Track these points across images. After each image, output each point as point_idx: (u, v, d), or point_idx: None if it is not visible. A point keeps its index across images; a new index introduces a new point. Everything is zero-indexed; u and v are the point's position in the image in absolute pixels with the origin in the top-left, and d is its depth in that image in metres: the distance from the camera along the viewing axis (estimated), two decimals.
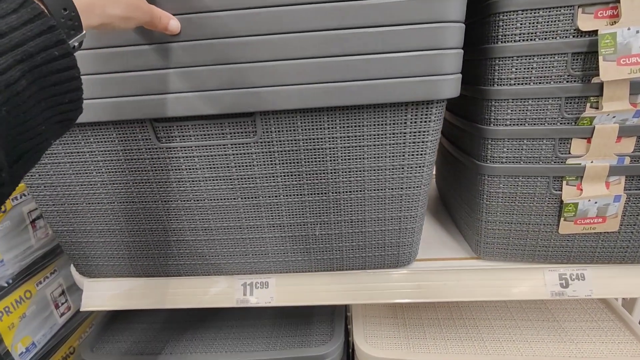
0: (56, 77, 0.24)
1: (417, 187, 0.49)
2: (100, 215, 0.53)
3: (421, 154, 0.47)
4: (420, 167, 0.48)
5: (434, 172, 0.87)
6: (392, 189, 0.49)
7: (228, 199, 0.50)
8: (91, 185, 0.51)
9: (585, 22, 0.42)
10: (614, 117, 0.45)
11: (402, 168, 0.48)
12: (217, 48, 0.41)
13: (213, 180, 0.49)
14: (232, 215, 0.51)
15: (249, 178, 0.49)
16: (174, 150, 0.47)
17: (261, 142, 0.46)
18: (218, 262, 0.56)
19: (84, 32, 0.28)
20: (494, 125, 0.48)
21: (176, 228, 0.53)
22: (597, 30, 0.41)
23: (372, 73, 0.42)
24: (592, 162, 0.47)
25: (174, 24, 0.40)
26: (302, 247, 0.54)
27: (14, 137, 0.22)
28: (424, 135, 0.46)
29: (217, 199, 0.50)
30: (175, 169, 0.49)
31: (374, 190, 0.49)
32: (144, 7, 0.35)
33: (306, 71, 0.42)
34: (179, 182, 0.50)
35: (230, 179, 0.49)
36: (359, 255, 0.54)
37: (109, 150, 0.48)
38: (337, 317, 0.68)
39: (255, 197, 0.50)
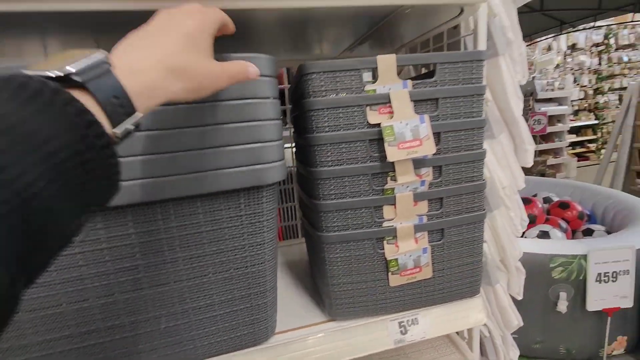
0: (86, 170, 0.23)
1: (261, 263, 0.52)
2: None
3: (259, 233, 0.51)
4: (260, 245, 0.52)
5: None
6: (236, 269, 0.51)
7: (50, 307, 0.45)
8: None
9: (373, 117, 0.54)
10: (407, 186, 0.56)
11: (243, 248, 0.51)
12: None
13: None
14: (55, 324, 0.46)
15: (75, 281, 0.45)
16: None
17: (87, 241, 0.44)
18: None
19: (137, 113, 0.28)
20: (323, 199, 0.55)
21: None
22: (380, 123, 0.53)
23: (202, 166, 0.45)
24: (401, 223, 0.57)
25: (252, 70, 0.38)
26: (148, 345, 0.50)
27: (36, 240, 0.21)
28: (259, 215, 0.50)
29: (33, 310, 0.44)
30: None
31: (218, 272, 0.50)
32: (220, 75, 0.35)
33: (134, 167, 0.43)
34: None
35: (51, 285, 0.44)
36: (213, 340, 0.53)
37: None
38: None
39: (85, 300, 0.46)
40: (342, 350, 0.58)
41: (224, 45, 0.40)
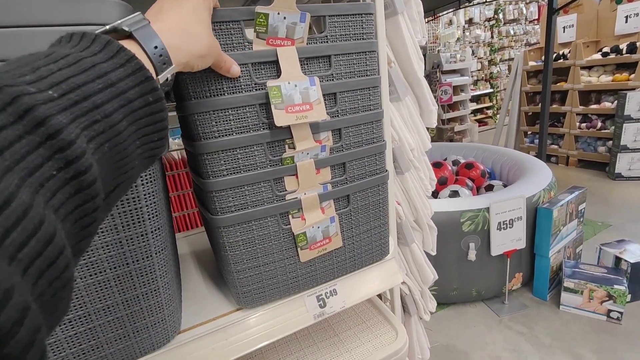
0: (149, 119, 0.27)
1: (147, 258, 0.44)
2: None
3: (140, 222, 0.43)
4: (143, 236, 0.44)
5: None
6: (113, 269, 0.42)
7: None
8: None
9: (259, 44, 0.47)
10: (308, 154, 0.52)
11: (120, 243, 0.42)
12: None
13: None
14: None
15: None
16: None
17: None
18: None
19: (174, 65, 0.31)
20: (213, 177, 0.48)
21: None
22: (266, 83, 0.47)
23: None
24: (305, 194, 0.54)
25: (236, 68, 0.44)
26: None
27: (113, 170, 0.24)
28: (135, 202, 0.42)
29: None
30: None
31: (88, 277, 0.41)
32: (218, 47, 0.40)
33: None
34: None
35: None
36: (98, 355, 0.44)
37: None
38: None
39: None
40: (258, 337, 0.53)
41: None
